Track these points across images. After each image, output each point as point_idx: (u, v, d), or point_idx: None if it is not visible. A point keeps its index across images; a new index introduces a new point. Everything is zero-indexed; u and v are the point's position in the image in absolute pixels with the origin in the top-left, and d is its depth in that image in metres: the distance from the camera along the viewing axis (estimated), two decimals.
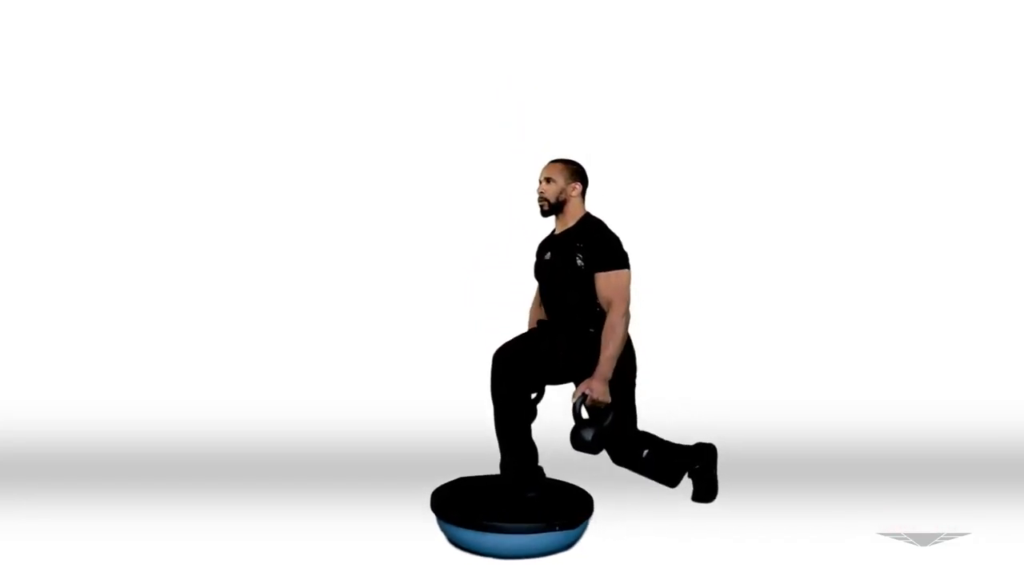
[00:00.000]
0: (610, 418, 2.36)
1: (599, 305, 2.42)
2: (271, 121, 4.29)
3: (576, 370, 2.42)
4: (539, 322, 2.63)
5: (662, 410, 2.87)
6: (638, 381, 2.58)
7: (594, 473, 2.74)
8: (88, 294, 4.17)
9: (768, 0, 4.25)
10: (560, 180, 2.50)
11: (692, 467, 2.70)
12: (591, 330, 2.43)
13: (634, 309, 2.50)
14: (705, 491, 2.72)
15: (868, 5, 4.23)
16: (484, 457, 2.75)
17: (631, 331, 2.49)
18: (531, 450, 2.41)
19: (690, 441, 2.75)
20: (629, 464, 2.61)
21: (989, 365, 4.03)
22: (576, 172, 2.54)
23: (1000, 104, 4.21)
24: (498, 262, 3.93)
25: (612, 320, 2.36)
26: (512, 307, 2.98)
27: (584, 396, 2.31)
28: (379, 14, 4.28)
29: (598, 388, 2.31)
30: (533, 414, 2.47)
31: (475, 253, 4.18)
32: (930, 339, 4.13)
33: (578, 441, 2.33)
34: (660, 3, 4.27)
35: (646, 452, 2.58)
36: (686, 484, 2.76)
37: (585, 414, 2.40)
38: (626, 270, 2.43)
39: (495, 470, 2.53)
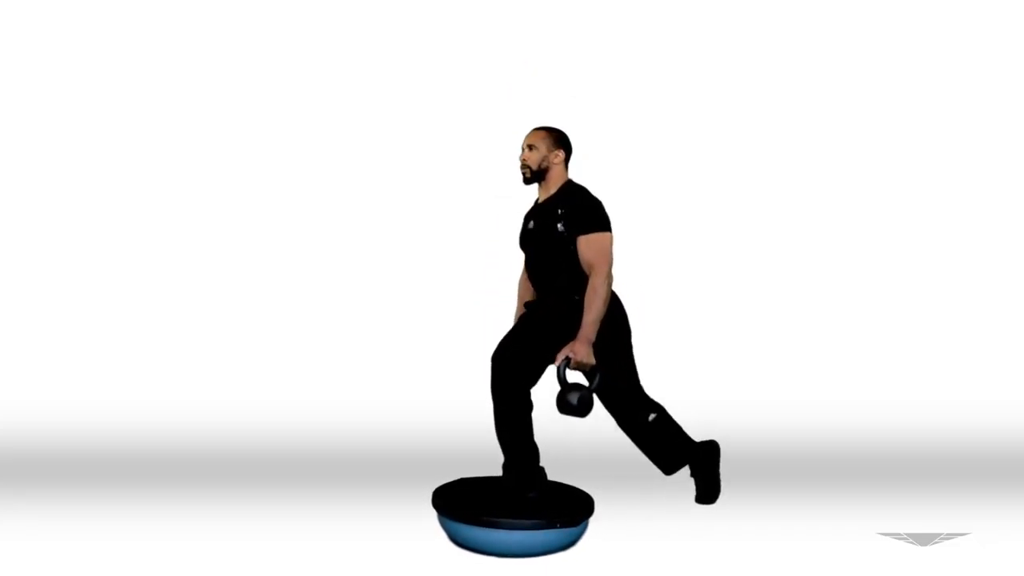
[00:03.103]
0: (596, 381, 2.35)
1: (583, 270, 2.41)
2: (270, 121, 4.29)
3: (568, 340, 2.38)
4: (526, 304, 2.61)
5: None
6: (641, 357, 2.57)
7: (595, 474, 2.74)
8: (88, 294, 4.17)
9: None
10: (542, 147, 2.51)
11: (693, 459, 2.68)
12: (576, 297, 2.41)
13: (636, 309, 2.50)
14: (707, 491, 2.71)
15: (868, 5, 4.23)
16: (484, 457, 2.75)
17: (620, 293, 2.48)
18: (532, 451, 2.41)
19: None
20: (632, 430, 2.59)
21: (989, 365, 4.03)
22: (558, 139, 2.54)
23: (1000, 104, 4.21)
24: (498, 261, 3.93)
25: (594, 283, 2.36)
26: (513, 306, 2.98)
27: (568, 359, 2.29)
28: (375, 9, 4.28)
29: (581, 351, 2.30)
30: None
31: (475, 252, 4.17)
32: (930, 339, 4.13)
33: (563, 405, 2.31)
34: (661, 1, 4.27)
35: (653, 416, 2.56)
36: (686, 485, 2.75)
37: (571, 378, 2.37)
38: (607, 232, 2.43)
39: (496, 470, 2.53)
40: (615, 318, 2.49)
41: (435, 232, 4.28)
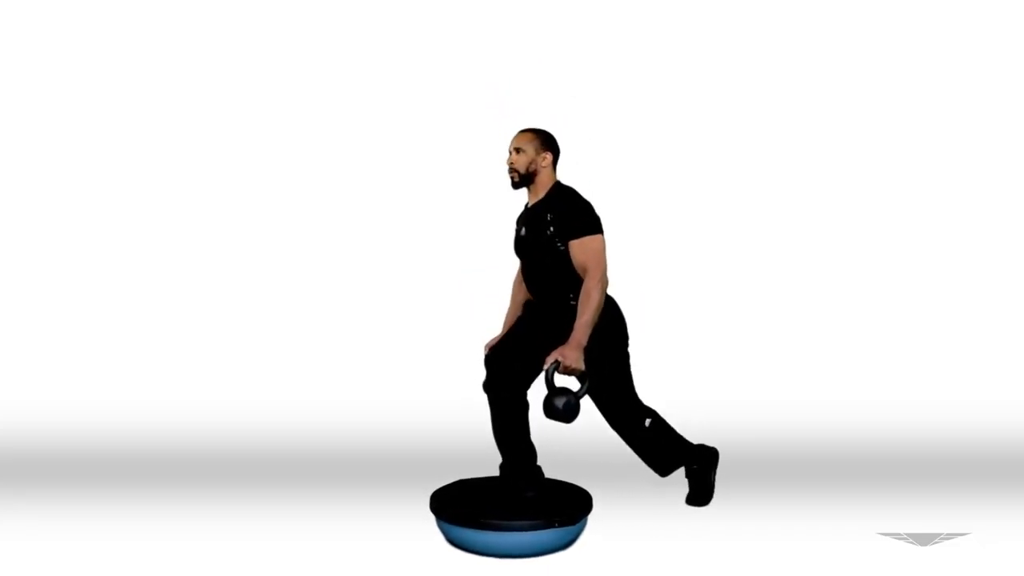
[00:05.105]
0: (584, 387, 2.31)
1: (577, 274, 2.38)
2: (268, 121, 4.29)
3: (561, 344, 2.32)
4: (525, 304, 2.60)
5: (663, 410, 2.87)
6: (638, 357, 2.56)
7: (593, 473, 2.74)
8: (88, 294, 4.17)
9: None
10: (530, 150, 2.45)
11: (690, 464, 2.68)
12: (572, 302, 2.38)
13: (635, 310, 2.50)
14: (700, 494, 2.69)
15: (868, 5, 4.23)
16: (483, 458, 2.75)
17: (619, 299, 2.46)
18: (530, 451, 2.40)
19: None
20: (626, 434, 2.58)
21: (989, 365, 4.02)
22: (546, 141, 2.48)
23: (1000, 104, 4.20)
24: (496, 260, 3.93)
25: (587, 286, 2.31)
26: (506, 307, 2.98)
27: (556, 363, 2.25)
28: (377, 13, 4.28)
29: (571, 355, 2.24)
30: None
31: (473, 253, 4.17)
32: (930, 339, 4.12)
33: (550, 409, 2.26)
34: (660, 2, 4.27)
35: (649, 422, 2.54)
36: (681, 484, 2.75)
37: (560, 382, 2.32)
38: (599, 235, 2.38)
39: (494, 471, 2.53)
40: (610, 324, 2.45)
41: (433, 232, 4.28)
